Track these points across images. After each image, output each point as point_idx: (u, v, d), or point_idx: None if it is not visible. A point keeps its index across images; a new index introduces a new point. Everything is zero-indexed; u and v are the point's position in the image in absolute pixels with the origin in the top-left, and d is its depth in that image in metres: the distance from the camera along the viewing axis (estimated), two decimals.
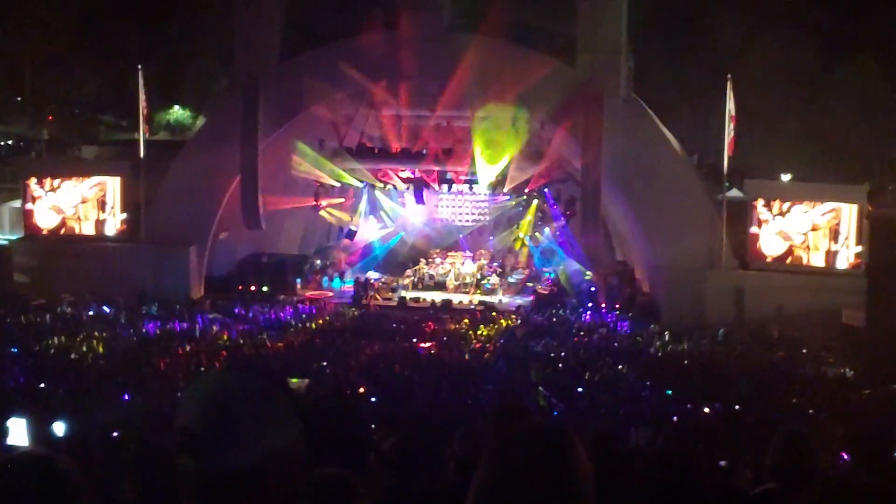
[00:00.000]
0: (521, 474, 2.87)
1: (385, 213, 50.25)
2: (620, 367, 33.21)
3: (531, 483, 2.85)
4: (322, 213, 48.43)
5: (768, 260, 41.09)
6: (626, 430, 21.67)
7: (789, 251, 40.99)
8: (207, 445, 2.84)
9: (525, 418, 5.31)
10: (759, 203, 41.26)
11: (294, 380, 32.55)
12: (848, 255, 40.30)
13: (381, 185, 47.62)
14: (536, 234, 48.63)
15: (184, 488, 2.92)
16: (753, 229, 41.26)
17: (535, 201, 47.42)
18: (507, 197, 47.52)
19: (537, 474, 2.86)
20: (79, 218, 45.42)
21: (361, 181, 47.22)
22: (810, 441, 7.35)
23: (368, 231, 50.33)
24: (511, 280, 47.68)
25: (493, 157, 43.89)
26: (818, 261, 40.68)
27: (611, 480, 7.02)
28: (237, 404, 2.88)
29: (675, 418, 26.10)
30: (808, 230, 40.68)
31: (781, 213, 40.99)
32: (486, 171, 44.54)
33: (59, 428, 6.94)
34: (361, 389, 30.76)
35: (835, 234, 40.49)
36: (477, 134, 43.65)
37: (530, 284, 47.25)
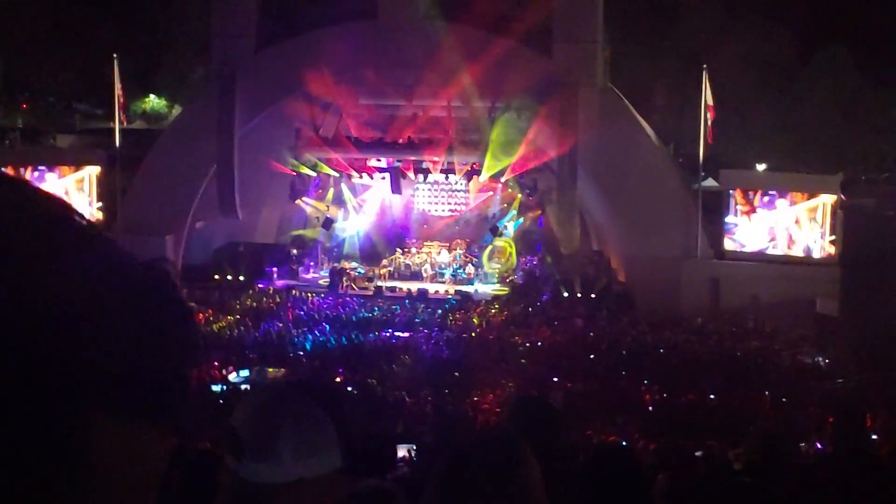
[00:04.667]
0: (471, 483, 2.92)
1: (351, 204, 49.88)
2: (592, 356, 33.39)
3: (481, 492, 2.91)
4: (298, 202, 48.36)
5: (744, 250, 41.29)
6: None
7: (767, 241, 41.18)
8: (248, 452, 2.89)
9: (548, 412, 5.30)
10: (736, 193, 41.47)
11: (271, 369, 32.74)
12: (823, 244, 40.53)
13: (357, 175, 47.49)
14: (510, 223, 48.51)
15: (222, 488, 2.98)
16: (729, 219, 41.45)
17: (519, 195, 47.29)
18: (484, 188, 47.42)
19: (487, 483, 2.92)
20: None
21: (338, 171, 47.14)
22: (783, 438, 7.44)
23: (351, 221, 50.10)
24: (490, 270, 47.57)
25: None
26: (795, 251, 40.88)
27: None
28: (284, 421, 2.91)
29: (650, 408, 26.29)
30: (786, 221, 40.88)
31: (760, 204, 41.19)
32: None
33: None
34: (338, 379, 30.92)
35: (810, 227, 40.71)
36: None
37: (506, 274, 47.17)
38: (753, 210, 41.32)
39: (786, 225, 40.93)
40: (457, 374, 31.23)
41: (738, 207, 41.46)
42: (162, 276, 1.32)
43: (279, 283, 45.70)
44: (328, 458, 2.91)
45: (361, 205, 49.78)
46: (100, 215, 45.14)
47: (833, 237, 40.31)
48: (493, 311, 41.06)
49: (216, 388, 29.81)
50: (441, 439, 7.09)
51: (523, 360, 32.92)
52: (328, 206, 48.87)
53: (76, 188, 45.31)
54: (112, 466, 1.23)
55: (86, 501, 1.22)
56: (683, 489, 7.02)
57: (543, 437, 4.68)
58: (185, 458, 10.45)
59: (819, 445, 18.19)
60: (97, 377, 1.19)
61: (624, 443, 18.00)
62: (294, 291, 43.89)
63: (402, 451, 11.27)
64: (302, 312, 40.62)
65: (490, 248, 47.72)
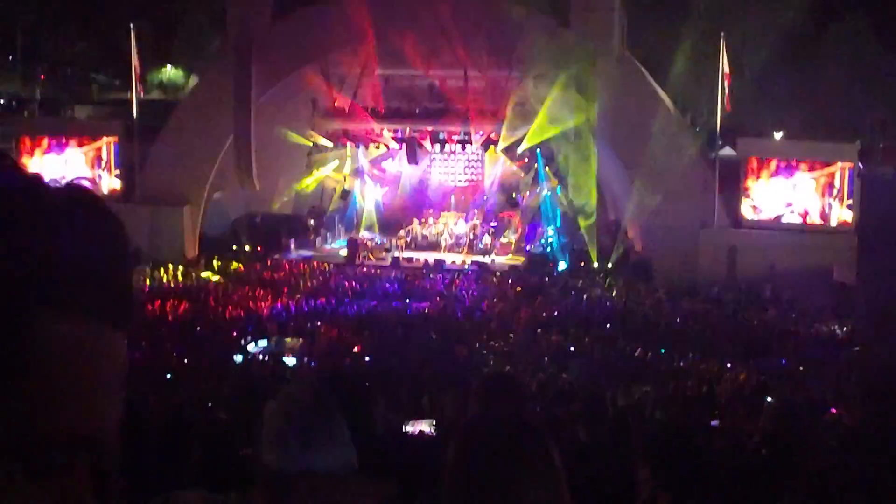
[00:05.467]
0: (490, 462, 2.97)
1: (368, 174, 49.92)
2: (609, 325, 33.42)
3: (499, 471, 2.96)
4: (315, 172, 48.38)
5: (761, 218, 41.21)
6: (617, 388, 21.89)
7: (783, 210, 41.08)
8: (265, 440, 3.05)
9: (515, 393, 5.29)
10: (753, 161, 41.39)
11: (289, 340, 32.86)
12: (840, 213, 40.45)
13: (374, 145, 47.51)
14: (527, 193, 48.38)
15: (255, 476, 3.13)
16: (747, 187, 41.36)
17: (535, 165, 47.13)
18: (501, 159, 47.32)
19: (506, 463, 2.97)
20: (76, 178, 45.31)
21: (355, 142, 47.16)
22: (801, 412, 7.49)
23: (368, 192, 50.20)
24: (504, 240, 47.59)
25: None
26: (812, 219, 40.79)
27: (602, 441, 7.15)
28: (297, 414, 3.07)
29: (667, 377, 26.29)
30: (802, 189, 40.78)
31: (776, 172, 41.10)
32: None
33: None
34: (356, 349, 31.03)
35: (828, 193, 40.62)
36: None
37: (523, 245, 47.15)
38: (774, 175, 41.21)
39: (803, 190, 40.82)
40: (477, 343, 31.33)
41: (756, 176, 41.35)
42: (84, 189, 1.47)
43: (297, 253, 45.85)
44: (338, 456, 3.03)
45: (378, 176, 49.83)
46: (117, 184, 45.27)
47: (850, 201, 40.24)
48: (509, 281, 41.09)
49: (238, 358, 30.01)
50: (460, 415, 7.08)
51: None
52: (345, 177, 48.93)
53: (93, 158, 45.46)
54: (60, 359, 1.36)
55: (35, 391, 1.34)
56: (700, 460, 7.06)
57: (508, 413, 4.72)
58: (204, 431, 10.56)
59: (833, 411, 18.22)
60: (41, 276, 1.33)
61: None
62: (311, 262, 44.02)
63: (421, 426, 11.24)
64: (319, 283, 40.77)
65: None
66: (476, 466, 2.97)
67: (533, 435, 3.05)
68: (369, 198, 50.01)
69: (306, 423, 3.06)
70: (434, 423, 10.36)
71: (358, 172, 49.28)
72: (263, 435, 3.10)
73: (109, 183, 45.29)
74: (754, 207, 41.41)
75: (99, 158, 45.50)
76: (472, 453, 3.00)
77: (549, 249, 45.41)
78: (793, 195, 40.93)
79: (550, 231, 46.72)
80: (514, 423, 3.12)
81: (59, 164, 45.35)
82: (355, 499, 3.08)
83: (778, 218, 41.12)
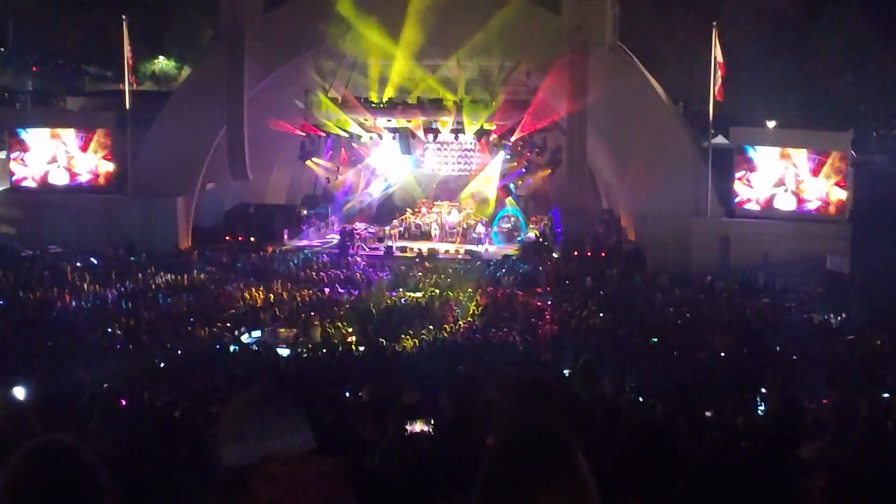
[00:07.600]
0: (523, 478, 2.97)
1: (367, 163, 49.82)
2: (602, 315, 33.45)
3: (532, 487, 2.95)
4: (308, 163, 48.31)
5: (755, 207, 41.15)
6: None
7: (775, 198, 40.99)
8: (221, 438, 3.12)
9: (550, 397, 5.00)
10: (746, 150, 41.33)
11: (283, 330, 32.94)
12: (834, 201, 40.36)
13: (368, 135, 47.34)
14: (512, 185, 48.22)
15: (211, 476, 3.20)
16: (739, 176, 41.31)
17: (528, 154, 47.01)
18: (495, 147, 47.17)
19: (539, 478, 2.96)
20: (67, 169, 45.25)
21: (347, 132, 46.98)
22: (802, 410, 7.49)
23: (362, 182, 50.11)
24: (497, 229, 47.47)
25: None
26: (806, 197, 40.59)
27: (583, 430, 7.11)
28: (250, 410, 3.16)
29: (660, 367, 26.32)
30: (794, 178, 40.73)
31: (768, 161, 41.03)
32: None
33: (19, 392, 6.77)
34: (351, 339, 31.11)
35: (821, 181, 40.54)
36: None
37: (516, 234, 47.11)
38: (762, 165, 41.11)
39: (792, 180, 40.74)
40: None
41: (748, 164, 41.28)
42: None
43: (290, 243, 45.80)
44: (295, 439, 3.12)
45: (371, 166, 49.72)
46: (110, 167, 45.07)
47: (843, 194, 40.14)
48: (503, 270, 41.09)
49: (233, 348, 30.07)
50: (460, 411, 6.96)
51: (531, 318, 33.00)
52: (338, 167, 48.83)
53: (84, 148, 45.31)
54: None
55: None
56: (694, 454, 7.08)
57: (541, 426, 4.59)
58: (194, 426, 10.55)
59: (825, 402, 18.22)
60: None
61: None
62: (305, 252, 43.99)
63: (418, 427, 11.22)
64: (312, 273, 40.76)
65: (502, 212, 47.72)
66: (507, 482, 2.97)
67: (563, 449, 3.04)
68: (363, 188, 49.95)
69: (261, 417, 3.17)
70: (431, 422, 10.32)
71: (352, 163, 49.14)
72: (220, 437, 3.19)
73: (104, 167, 45.15)
74: (748, 196, 41.22)
75: (91, 154, 45.25)
76: (505, 470, 3.00)
77: (543, 239, 45.39)
78: (786, 185, 40.74)
79: (543, 220, 46.72)
80: (547, 437, 3.11)
81: (52, 156, 45.22)
82: (313, 476, 3.16)
83: (771, 198, 40.90)
